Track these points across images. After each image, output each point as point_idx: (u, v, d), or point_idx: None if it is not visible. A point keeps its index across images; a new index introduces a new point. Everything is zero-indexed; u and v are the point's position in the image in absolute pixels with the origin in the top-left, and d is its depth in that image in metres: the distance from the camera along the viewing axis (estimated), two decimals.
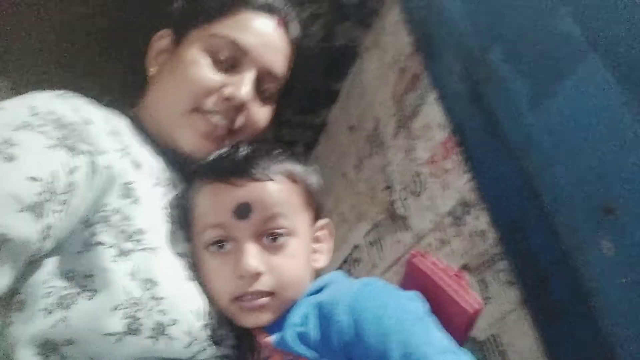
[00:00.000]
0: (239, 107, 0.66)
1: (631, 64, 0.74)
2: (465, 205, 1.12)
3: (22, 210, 0.46)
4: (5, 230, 0.45)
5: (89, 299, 0.49)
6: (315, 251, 0.64)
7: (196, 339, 0.52)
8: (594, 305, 0.76)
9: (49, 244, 0.49)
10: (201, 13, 0.69)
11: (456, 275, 0.57)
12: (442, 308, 0.54)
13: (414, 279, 0.57)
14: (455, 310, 0.53)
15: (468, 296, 0.55)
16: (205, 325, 0.54)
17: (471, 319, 0.54)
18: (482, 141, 1.04)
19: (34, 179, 0.47)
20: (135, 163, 0.58)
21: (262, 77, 0.68)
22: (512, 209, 0.93)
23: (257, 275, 0.57)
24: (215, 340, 0.55)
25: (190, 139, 0.65)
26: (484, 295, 1.03)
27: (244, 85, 0.66)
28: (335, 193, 1.72)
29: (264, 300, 0.57)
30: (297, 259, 0.59)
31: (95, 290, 0.49)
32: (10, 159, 0.47)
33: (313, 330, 0.53)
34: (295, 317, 0.55)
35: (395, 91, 1.44)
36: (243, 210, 0.58)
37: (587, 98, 0.79)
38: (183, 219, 0.62)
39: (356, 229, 1.58)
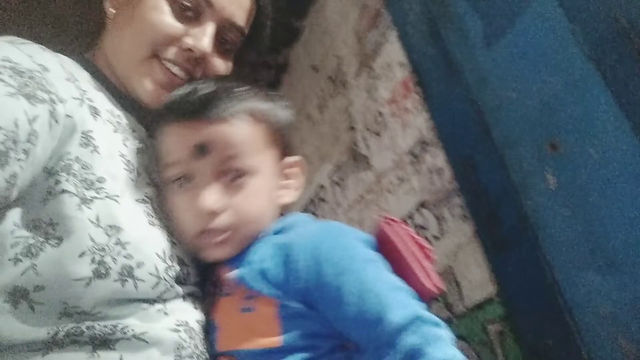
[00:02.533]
0: (199, 59, 0.65)
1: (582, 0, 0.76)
2: (423, 143, 1.15)
3: None
4: None
5: (56, 246, 0.50)
6: (282, 187, 0.65)
7: (162, 279, 0.54)
8: (538, 236, 0.81)
9: (14, 193, 0.49)
10: None
11: (425, 250, 0.58)
12: (403, 277, 0.55)
13: (382, 244, 0.57)
14: (415, 287, 0.54)
15: (431, 276, 0.55)
16: (170, 266, 0.55)
17: (428, 299, 0.54)
18: (439, 79, 1.05)
19: None
20: (94, 110, 0.58)
21: (224, 29, 0.67)
22: (466, 146, 0.96)
23: (215, 213, 0.58)
24: (180, 280, 0.57)
25: (148, 87, 0.64)
26: (441, 229, 1.08)
27: (205, 37, 0.64)
28: (299, 134, 1.73)
29: (223, 236, 0.58)
30: (257, 197, 0.60)
31: (61, 238, 0.50)
32: None
33: (274, 269, 0.55)
34: (257, 255, 0.57)
35: (357, 29, 1.43)
36: (200, 150, 0.59)
37: (538, 35, 0.81)
38: (147, 160, 0.62)
39: (320, 169, 1.60)
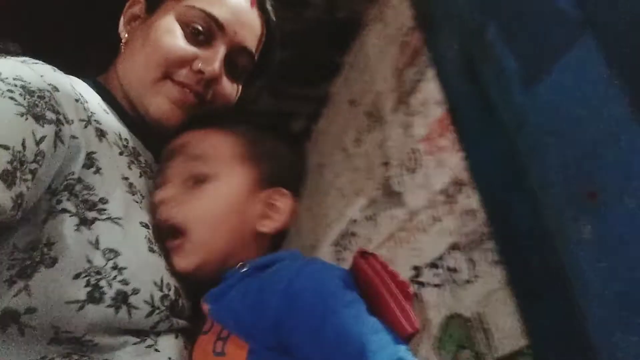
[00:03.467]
0: (210, 81, 0.67)
1: (624, 47, 0.73)
2: (458, 183, 1.12)
3: None
4: None
5: (50, 267, 0.49)
6: (262, 215, 0.63)
7: (157, 308, 0.53)
8: (573, 289, 0.76)
9: (19, 214, 0.49)
10: None
11: (403, 285, 0.54)
12: (381, 316, 0.52)
13: (358, 279, 0.55)
14: (393, 326, 0.51)
15: (409, 315, 0.52)
16: (166, 295, 0.55)
17: (406, 338, 0.51)
18: (475, 120, 1.03)
19: (4, 147, 0.47)
20: (100, 132, 0.59)
21: (234, 54, 0.69)
22: (500, 189, 0.93)
23: (165, 202, 0.59)
24: (175, 312, 0.56)
25: (163, 106, 0.66)
26: (472, 273, 1.04)
27: (216, 60, 0.66)
28: (334, 167, 1.73)
29: (176, 241, 0.58)
30: (212, 203, 0.60)
31: (56, 259, 0.50)
32: None
33: (247, 310, 0.53)
34: (234, 291, 0.56)
35: (396, 65, 1.43)
36: (170, 154, 0.62)
37: (578, 80, 0.78)
38: (152, 185, 0.63)
39: (353, 202, 1.59)
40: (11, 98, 0.50)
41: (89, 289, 0.50)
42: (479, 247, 1.03)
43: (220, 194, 0.60)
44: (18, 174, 0.48)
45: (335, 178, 1.71)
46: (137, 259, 0.54)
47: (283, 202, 0.65)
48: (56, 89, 0.55)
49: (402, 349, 0.49)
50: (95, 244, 0.52)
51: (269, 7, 0.73)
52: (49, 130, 0.52)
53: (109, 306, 0.50)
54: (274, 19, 0.74)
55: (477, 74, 1.01)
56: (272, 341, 0.51)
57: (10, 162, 0.47)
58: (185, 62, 0.66)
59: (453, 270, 1.08)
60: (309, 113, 1.87)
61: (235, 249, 0.60)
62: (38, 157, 0.50)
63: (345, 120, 1.71)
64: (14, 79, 0.52)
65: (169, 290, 0.55)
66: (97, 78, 0.70)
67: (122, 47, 0.71)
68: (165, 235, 0.58)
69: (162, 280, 0.55)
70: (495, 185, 0.95)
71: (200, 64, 0.65)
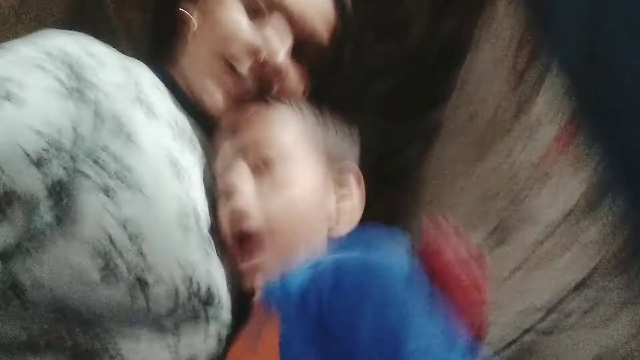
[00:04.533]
0: (274, 73, 0.62)
1: None
2: (598, 190, 0.98)
3: (29, 166, 0.44)
4: (13, 186, 0.44)
5: (66, 241, 0.46)
6: (341, 195, 0.59)
7: (182, 305, 0.49)
8: None
9: (56, 201, 0.47)
10: None
11: (474, 256, 0.48)
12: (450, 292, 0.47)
13: (427, 255, 0.50)
14: (461, 300, 0.46)
15: (475, 284, 0.47)
16: (198, 288, 0.50)
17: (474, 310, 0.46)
18: (607, 118, 0.90)
19: (39, 133, 0.46)
20: (150, 113, 0.56)
21: (303, 43, 0.64)
22: None
23: (247, 210, 0.54)
24: (207, 301, 0.51)
25: (218, 99, 0.62)
26: (623, 297, 0.88)
27: (281, 51, 0.61)
28: (456, 193, 1.62)
29: (257, 261, 0.53)
30: (295, 199, 0.55)
31: (73, 234, 0.46)
32: (20, 103, 0.45)
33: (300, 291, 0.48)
34: (295, 277, 0.50)
35: (512, 72, 1.32)
36: (230, 130, 0.58)
37: None
38: (205, 169, 0.60)
39: (482, 227, 1.46)
40: (55, 78, 0.49)
41: (105, 270, 0.46)
42: (634, 263, 0.87)
43: (301, 189, 0.56)
44: (54, 161, 0.46)
45: (460, 202, 1.60)
46: (163, 246, 0.49)
47: (349, 176, 0.62)
48: (103, 65, 0.54)
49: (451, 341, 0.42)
50: (122, 223, 0.48)
51: None
52: (87, 112, 0.50)
53: (124, 293, 0.47)
54: (350, 8, 0.69)
55: (605, 66, 0.88)
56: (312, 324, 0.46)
57: (47, 150, 0.46)
58: (249, 49, 0.61)
59: (603, 292, 0.93)
60: (423, 139, 1.79)
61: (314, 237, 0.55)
62: (77, 141, 0.48)
63: (465, 138, 1.61)
64: (62, 56, 0.51)
65: (199, 290, 0.51)
66: (165, 64, 0.68)
67: (190, 37, 0.67)
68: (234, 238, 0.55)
69: (191, 277, 0.51)
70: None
71: (265, 55, 0.61)
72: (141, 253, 0.47)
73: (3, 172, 0.43)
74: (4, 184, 0.43)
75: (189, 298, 0.50)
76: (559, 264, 1.09)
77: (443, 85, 1.66)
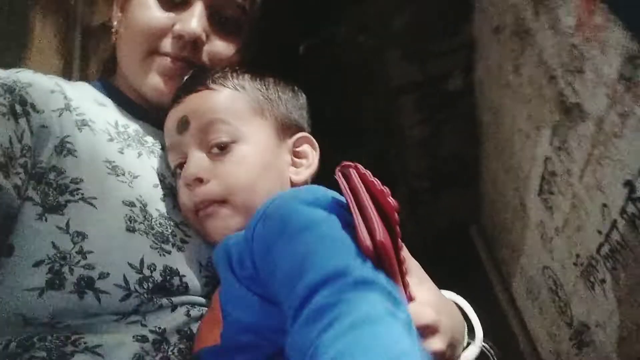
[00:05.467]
0: (195, 43, 0.62)
1: None
2: (633, 59, 0.85)
3: None
4: None
5: (8, 256, 0.49)
6: (294, 164, 0.61)
7: (133, 292, 0.49)
8: None
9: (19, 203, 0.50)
10: None
11: (383, 196, 0.43)
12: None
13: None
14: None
15: (373, 226, 0.41)
16: (147, 277, 0.51)
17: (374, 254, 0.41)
18: None
19: None
20: (82, 121, 0.58)
21: (219, 8, 0.64)
22: None
23: (199, 181, 0.55)
24: (170, 290, 0.51)
25: (154, 81, 0.63)
26: None
27: (192, 19, 0.62)
28: (507, 109, 1.50)
29: (215, 207, 0.55)
30: (245, 164, 0.56)
31: (13, 247, 0.49)
32: None
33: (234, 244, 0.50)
34: (235, 236, 0.51)
35: None
36: (183, 124, 0.58)
37: None
38: (159, 164, 0.62)
39: (539, 139, 1.35)
40: None
41: (49, 275, 0.48)
42: None
43: (251, 155, 0.57)
44: (10, 168, 0.50)
45: (513, 120, 1.49)
46: (107, 241, 0.51)
47: (308, 145, 0.62)
48: (29, 85, 0.57)
49: (356, 261, 0.40)
50: (66, 229, 0.50)
51: None
52: (23, 124, 0.53)
53: (71, 292, 0.48)
54: None
55: None
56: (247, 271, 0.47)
57: (3, 156, 0.49)
58: (164, 30, 0.63)
59: None
60: (462, 66, 1.67)
61: None
62: (24, 151, 0.52)
63: (497, 53, 1.48)
64: None
65: (152, 271, 0.51)
66: (109, 78, 0.70)
67: (114, 36, 0.70)
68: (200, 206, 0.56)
69: (142, 261, 0.51)
70: None
71: (178, 27, 0.62)
72: (83, 253, 0.50)
73: None
74: None
75: (140, 284, 0.51)
76: (618, 152, 0.97)
77: (460, 2, 1.55)
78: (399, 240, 0.43)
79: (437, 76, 1.68)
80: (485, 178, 1.80)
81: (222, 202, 0.56)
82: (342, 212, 0.45)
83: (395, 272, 0.42)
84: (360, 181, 0.45)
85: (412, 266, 0.50)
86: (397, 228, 0.43)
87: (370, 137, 1.74)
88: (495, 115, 1.59)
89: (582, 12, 0.96)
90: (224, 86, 0.60)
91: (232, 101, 0.59)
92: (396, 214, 0.43)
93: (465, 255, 1.87)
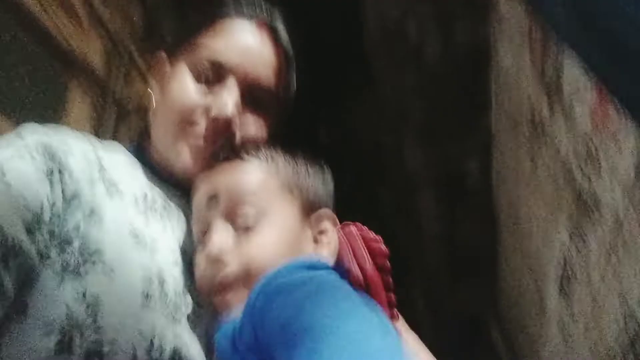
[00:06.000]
0: (227, 125, 0.64)
1: None
2: None
3: (22, 231, 0.49)
4: (18, 241, 0.49)
5: (20, 322, 0.49)
6: (315, 240, 0.60)
7: None
8: None
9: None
10: (186, 28, 0.70)
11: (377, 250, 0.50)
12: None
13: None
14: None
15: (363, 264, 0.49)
16: (156, 348, 0.51)
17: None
18: (624, 74, 0.82)
19: (27, 207, 0.50)
20: (112, 190, 0.59)
21: (250, 86, 0.66)
22: None
23: (223, 257, 0.55)
24: None
25: (185, 157, 0.64)
26: None
27: (227, 102, 0.63)
28: (525, 200, 1.52)
29: (231, 295, 0.54)
30: (271, 242, 0.56)
31: (28, 306, 0.49)
32: (7, 184, 0.51)
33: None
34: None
35: (534, 62, 1.26)
36: (212, 200, 0.59)
37: None
38: (183, 235, 0.62)
39: (558, 229, 1.35)
40: (33, 159, 0.54)
41: (59, 346, 0.48)
42: None
43: (276, 234, 0.57)
44: (37, 234, 0.51)
45: (531, 211, 1.50)
46: (121, 315, 0.51)
47: (329, 222, 0.62)
48: (69, 151, 0.58)
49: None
50: (82, 296, 0.50)
51: (280, 27, 0.70)
52: (57, 191, 0.54)
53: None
54: (287, 39, 0.70)
55: (595, 23, 0.82)
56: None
57: (32, 223, 0.50)
58: (197, 105, 0.64)
59: None
60: (480, 157, 1.72)
61: None
62: (53, 219, 0.53)
63: (515, 145, 1.53)
64: (36, 144, 0.56)
65: (161, 353, 0.51)
66: (143, 143, 0.72)
67: (150, 108, 0.72)
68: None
69: (152, 343, 0.51)
70: None
71: (214, 112, 0.63)
72: (97, 324, 0.50)
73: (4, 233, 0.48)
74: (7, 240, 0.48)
75: (149, 356, 0.51)
76: (635, 244, 0.97)
77: (479, 93, 1.61)
78: (390, 279, 0.48)
79: (455, 168, 1.72)
80: (504, 271, 1.79)
81: (246, 281, 0.55)
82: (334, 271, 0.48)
83: (384, 303, 0.45)
84: (356, 231, 0.50)
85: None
86: (387, 263, 0.47)
87: (387, 228, 1.76)
88: (513, 207, 1.61)
89: (596, 112, 1.01)
90: (256, 158, 0.61)
91: (264, 175, 0.60)
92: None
93: (484, 349, 1.81)
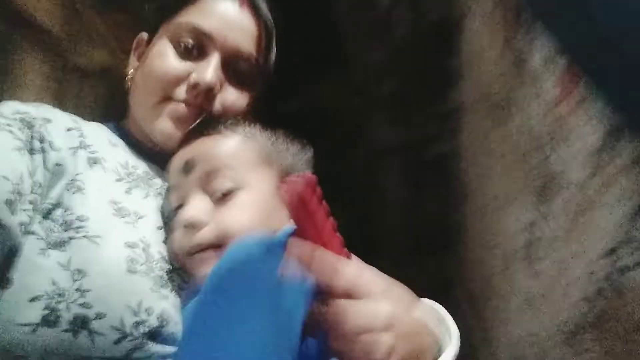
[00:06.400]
0: (208, 93, 0.64)
1: None
2: (614, 131, 0.89)
3: (1, 204, 0.49)
4: None
5: (5, 289, 0.48)
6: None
7: (128, 335, 0.48)
8: None
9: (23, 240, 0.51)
10: (167, 6, 0.70)
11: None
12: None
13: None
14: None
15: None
16: (143, 320, 0.50)
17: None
18: (594, 52, 0.82)
19: (5, 178, 0.50)
20: (93, 160, 0.59)
21: (232, 60, 0.66)
22: None
23: (198, 225, 0.55)
24: (162, 338, 0.50)
25: (164, 125, 0.64)
26: None
27: (208, 69, 0.64)
28: (492, 175, 1.54)
29: (208, 253, 0.54)
30: (247, 212, 0.56)
31: (11, 280, 0.48)
32: None
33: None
34: None
35: (504, 39, 1.26)
36: (187, 167, 0.58)
37: None
38: (163, 205, 0.61)
39: (524, 204, 1.37)
40: (10, 132, 0.54)
41: (45, 312, 0.47)
42: None
43: (252, 203, 0.57)
44: (19, 205, 0.50)
45: (498, 186, 1.52)
46: (106, 280, 0.50)
47: None
48: (49, 121, 0.58)
49: None
50: (67, 265, 0.50)
51: (262, 4, 0.71)
52: (38, 160, 0.54)
53: (65, 330, 0.47)
54: (269, 16, 0.71)
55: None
56: None
57: (12, 192, 0.50)
58: (180, 78, 0.65)
59: None
60: (447, 130, 1.72)
61: None
62: (35, 187, 0.52)
63: (483, 119, 1.54)
64: (13, 113, 0.56)
65: (149, 315, 0.50)
66: (121, 122, 0.72)
67: (129, 82, 0.72)
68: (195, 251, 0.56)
69: (140, 304, 0.49)
70: None
71: (194, 77, 0.64)
72: (82, 292, 0.49)
73: None
74: None
75: (136, 328, 0.50)
76: (601, 219, 0.99)
77: (447, 68, 1.61)
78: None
79: (422, 140, 1.72)
80: (468, 242, 1.82)
81: (218, 247, 0.55)
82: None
83: (316, 225, 0.47)
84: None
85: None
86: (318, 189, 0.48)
87: (352, 197, 1.76)
88: (480, 183, 1.63)
89: (565, 86, 1.01)
90: (235, 133, 0.61)
91: (242, 148, 0.60)
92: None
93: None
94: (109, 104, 1.49)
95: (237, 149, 0.60)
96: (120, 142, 0.68)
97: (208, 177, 0.58)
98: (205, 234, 0.55)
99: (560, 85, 1.03)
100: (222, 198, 0.57)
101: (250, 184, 0.58)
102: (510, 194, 1.42)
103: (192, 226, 0.55)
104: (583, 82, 0.95)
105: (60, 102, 1.38)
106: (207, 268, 0.54)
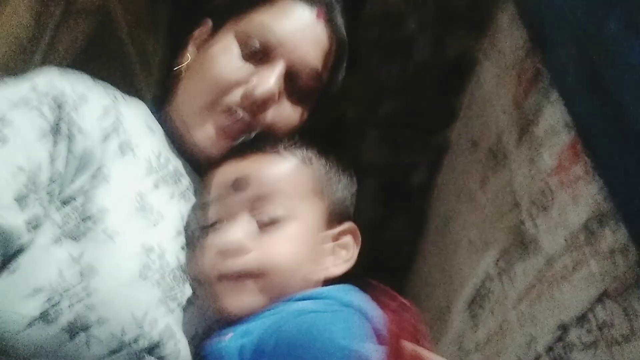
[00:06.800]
0: (265, 102, 0.60)
1: None
2: (601, 216, 0.92)
3: (9, 200, 0.45)
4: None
5: (11, 274, 0.45)
6: (329, 254, 0.56)
7: (126, 345, 0.45)
8: None
9: (35, 235, 0.47)
10: (241, 0, 0.65)
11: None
12: None
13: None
14: None
15: None
16: (145, 334, 0.47)
17: None
18: (609, 137, 0.85)
19: (20, 168, 0.47)
20: (125, 145, 0.55)
21: (296, 71, 0.62)
22: None
23: (242, 251, 0.51)
24: (157, 354, 0.48)
25: (209, 131, 0.60)
26: (630, 326, 0.81)
27: (270, 78, 0.60)
28: (462, 218, 1.57)
29: (245, 282, 0.50)
30: (293, 244, 0.52)
31: (19, 265, 0.45)
32: (2, 141, 0.47)
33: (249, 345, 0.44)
34: (252, 322, 0.48)
35: (515, 95, 1.28)
36: (236, 185, 0.54)
37: None
38: (187, 209, 0.58)
39: (485, 255, 1.40)
40: (38, 111, 0.50)
41: (46, 305, 0.44)
42: (636, 292, 0.81)
43: (300, 236, 0.54)
44: (33, 196, 0.47)
45: (464, 230, 1.55)
46: (116, 283, 0.47)
47: (351, 237, 0.59)
48: (84, 100, 0.54)
49: None
50: (78, 258, 0.47)
51: (338, 20, 0.67)
52: (62, 147, 0.50)
53: (62, 329, 0.44)
54: (344, 33, 0.67)
55: (602, 80, 0.84)
56: None
57: (26, 185, 0.46)
58: (240, 82, 0.60)
59: (605, 324, 0.86)
60: (430, 163, 1.75)
61: (303, 288, 0.53)
62: (55, 177, 0.49)
63: (468, 163, 1.56)
64: (47, 89, 0.52)
65: (152, 329, 0.47)
66: (165, 105, 0.67)
67: (184, 71, 0.67)
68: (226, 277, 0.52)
69: (145, 316, 0.47)
70: None
71: (254, 84, 0.59)
72: (87, 291, 0.45)
73: None
74: None
75: (135, 341, 0.47)
76: (561, 293, 1.02)
77: (449, 106, 1.63)
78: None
79: (403, 166, 1.73)
80: (420, 275, 1.85)
81: (257, 276, 0.51)
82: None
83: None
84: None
85: None
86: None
87: None
88: (447, 221, 1.65)
89: (565, 159, 1.04)
90: (294, 156, 0.57)
91: (299, 175, 0.57)
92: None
93: None
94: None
95: (294, 175, 0.56)
96: (158, 128, 0.63)
97: (259, 200, 0.53)
98: (247, 261, 0.51)
99: (559, 158, 1.05)
100: (269, 224, 0.53)
101: (300, 214, 0.54)
102: (475, 242, 1.45)
103: (235, 250, 0.51)
104: (582, 162, 0.97)
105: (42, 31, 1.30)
106: (238, 298, 0.50)
